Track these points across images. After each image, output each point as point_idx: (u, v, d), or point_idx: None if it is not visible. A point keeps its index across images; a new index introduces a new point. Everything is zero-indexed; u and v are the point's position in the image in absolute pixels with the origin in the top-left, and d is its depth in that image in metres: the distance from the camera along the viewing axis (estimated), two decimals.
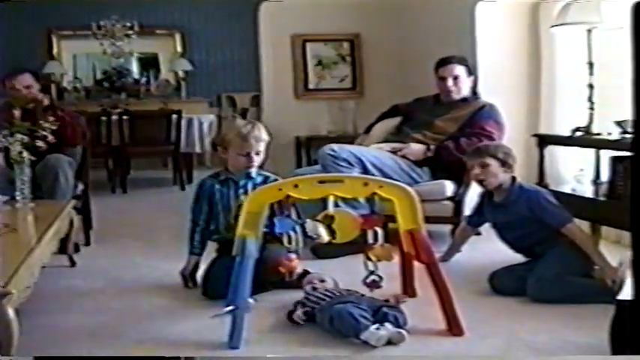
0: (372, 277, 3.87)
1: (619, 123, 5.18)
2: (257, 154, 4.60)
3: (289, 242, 3.80)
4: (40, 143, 5.15)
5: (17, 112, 5.72)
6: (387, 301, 3.89)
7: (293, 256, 3.83)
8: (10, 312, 2.98)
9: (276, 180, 4.47)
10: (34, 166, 5.23)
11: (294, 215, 3.85)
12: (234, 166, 4.66)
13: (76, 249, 5.56)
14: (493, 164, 4.60)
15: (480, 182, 4.71)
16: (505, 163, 4.62)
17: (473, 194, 5.46)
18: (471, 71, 6.13)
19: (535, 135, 6.08)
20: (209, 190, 4.70)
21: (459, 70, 6.03)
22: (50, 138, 5.20)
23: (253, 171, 4.65)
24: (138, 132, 9.43)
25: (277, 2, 8.97)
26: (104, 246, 6.05)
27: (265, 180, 4.62)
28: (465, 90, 6.06)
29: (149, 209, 8.23)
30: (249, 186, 4.61)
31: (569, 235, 4.43)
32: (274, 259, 3.93)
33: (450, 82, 6.01)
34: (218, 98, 13.24)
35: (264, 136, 4.62)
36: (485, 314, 4.05)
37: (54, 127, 5.26)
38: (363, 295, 3.92)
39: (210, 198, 4.70)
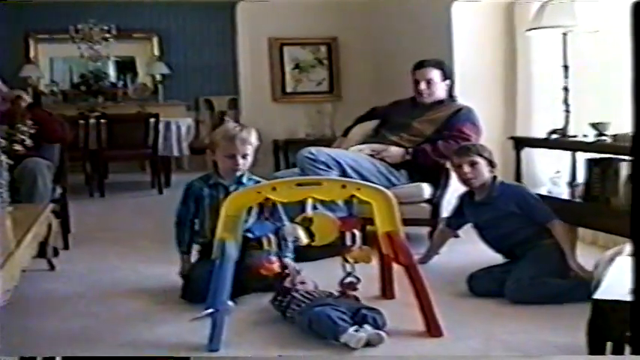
0: (349, 278, 3.90)
1: (594, 125, 5.22)
2: (244, 156, 4.57)
3: (269, 245, 3.82)
4: (17, 147, 5.13)
5: None
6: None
7: (274, 258, 3.85)
8: None
9: (258, 181, 4.48)
10: (12, 170, 5.21)
11: (284, 218, 3.88)
12: (222, 169, 4.64)
13: (55, 253, 5.53)
14: (481, 162, 4.67)
15: (465, 181, 4.75)
16: (491, 162, 4.69)
17: (450, 196, 5.51)
18: (447, 75, 6.13)
19: (511, 137, 6.11)
20: (197, 192, 4.66)
21: (433, 73, 6.05)
22: (28, 142, 5.18)
23: (244, 176, 4.63)
24: (115, 136, 9.40)
25: (255, 6, 8.98)
26: (83, 250, 6.02)
27: (248, 179, 4.62)
28: (439, 93, 6.07)
29: (127, 213, 8.22)
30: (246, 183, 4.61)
31: (553, 232, 4.49)
32: (256, 263, 3.94)
33: (422, 85, 6.03)
34: (196, 101, 13.24)
35: (252, 139, 4.61)
36: (464, 315, 4.08)
37: (32, 131, 5.25)
38: (341, 297, 3.94)
39: (198, 201, 4.67)
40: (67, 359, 3.57)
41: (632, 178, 1.76)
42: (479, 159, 4.68)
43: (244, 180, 4.61)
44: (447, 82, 6.12)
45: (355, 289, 3.92)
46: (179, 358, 3.58)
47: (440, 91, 6.07)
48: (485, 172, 4.69)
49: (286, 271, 4.06)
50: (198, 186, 4.69)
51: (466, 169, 4.69)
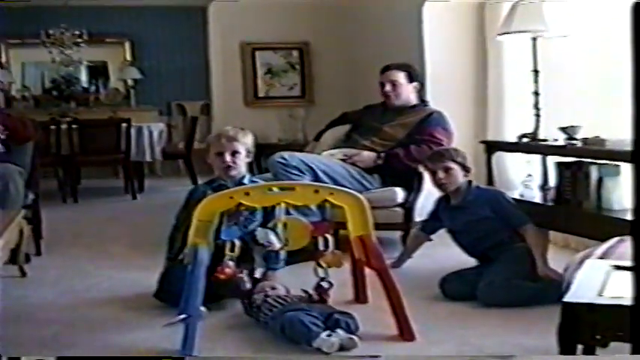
0: (322, 283, 3.91)
1: (564, 129, 5.27)
2: (233, 154, 4.57)
3: (231, 250, 3.82)
4: None
5: None
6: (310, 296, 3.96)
7: (230, 263, 3.83)
8: None
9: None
10: None
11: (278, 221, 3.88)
12: (215, 169, 4.66)
13: (27, 259, 5.51)
14: (456, 168, 4.70)
15: (440, 186, 4.77)
16: (464, 167, 4.71)
17: (423, 201, 5.53)
18: (413, 77, 6.13)
19: (483, 141, 6.15)
20: (200, 196, 4.56)
21: (398, 75, 6.06)
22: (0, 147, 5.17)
23: (246, 177, 4.63)
24: (88, 141, 9.35)
25: (227, 10, 8.99)
26: (55, 256, 5.99)
27: (251, 182, 4.58)
28: (406, 96, 6.08)
29: (101, 218, 8.17)
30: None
31: (525, 236, 4.52)
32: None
33: (387, 87, 6.05)
34: (168, 106, 13.20)
35: (241, 137, 4.62)
36: (437, 319, 4.10)
37: (2, 137, 5.23)
38: (314, 302, 3.95)
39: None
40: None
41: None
42: (453, 164, 4.70)
43: (245, 181, 4.59)
44: (415, 84, 6.11)
45: (327, 294, 3.93)
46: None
47: (406, 93, 6.08)
48: (459, 176, 4.71)
49: (239, 275, 4.01)
50: (202, 190, 4.65)
51: (440, 174, 4.71)
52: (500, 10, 6.31)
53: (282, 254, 4.31)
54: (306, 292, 4.03)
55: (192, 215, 4.14)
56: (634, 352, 2.00)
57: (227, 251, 3.81)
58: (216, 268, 3.80)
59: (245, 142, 4.64)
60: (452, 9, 6.97)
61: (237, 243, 3.81)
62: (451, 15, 7.01)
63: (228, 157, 4.57)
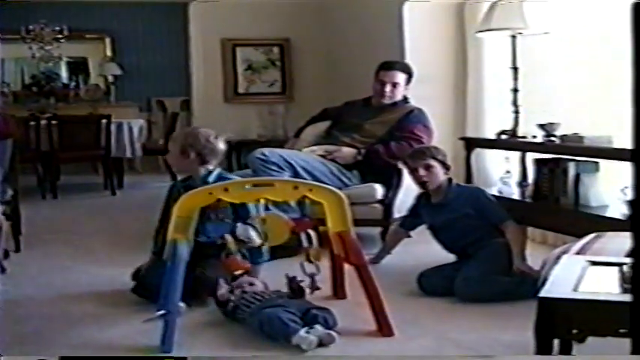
0: (304, 278, 3.94)
1: (542, 126, 5.30)
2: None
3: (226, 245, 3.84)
4: None
5: None
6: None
7: (239, 257, 3.88)
8: None
9: (229, 179, 4.46)
10: None
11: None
12: None
13: (6, 255, 5.50)
14: (436, 166, 4.72)
15: (421, 184, 4.79)
16: (445, 165, 4.74)
17: (402, 197, 5.55)
18: (411, 79, 6.14)
19: (462, 138, 6.17)
20: (175, 194, 4.60)
21: (400, 77, 6.05)
22: None
23: (213, 174, 4.55)
24: (67, 137, 9.30)
25: (207, 6, 8.98)
26: (34, 252, 5.98)
27: (220, 176, 4.56)
28: (399, 97, 6.11)
29: (80, 214, 8.15)
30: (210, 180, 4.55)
31: (506, 232, 4.55)
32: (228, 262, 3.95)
33: (388, 87, 6.03)
34: (148, 102, 13.16)
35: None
36: (415, 315, 4.12)
37: None
38: (290, 297, 3.96)
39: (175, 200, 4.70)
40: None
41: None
42: (433, 162, 4.72)
43: (210, 179, 4.57)
44: (408, 86, 6.13)
45: (318, 287, 3.97)
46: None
47: (400, 94, 6.10)
48: (440, 174, 4.73)
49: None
50: (177, 187, 4.68)
51: (421, 172, 4.73)
52: (480, 9, 6.33)
53: (265, 249, 4.32)
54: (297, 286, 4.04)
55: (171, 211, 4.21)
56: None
57: (230, 246, 3.82)
58: (197, 264, 3.83)
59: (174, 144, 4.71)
60: (432, 7, 6.98)
61: (229, 238, 3.82)
62: (432, 13, 7.03)
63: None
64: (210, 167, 4.55)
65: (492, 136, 5.95)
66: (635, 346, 1.98)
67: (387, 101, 6.06)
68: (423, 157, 4.77)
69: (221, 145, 4.62)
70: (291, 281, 4.01)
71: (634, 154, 1.77)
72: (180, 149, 4.56)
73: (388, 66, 6.12)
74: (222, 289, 4.05)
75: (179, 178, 4.93)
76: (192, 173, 4.63)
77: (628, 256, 2.02)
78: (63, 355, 3.54)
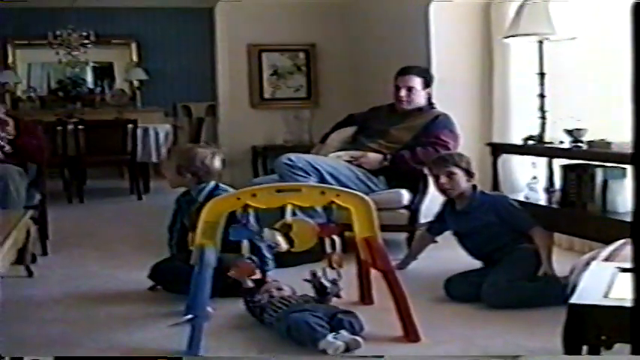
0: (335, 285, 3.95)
1: (569, 132, 5.27)
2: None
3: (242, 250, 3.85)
4: None
5: None
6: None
7: (247, 262, 3.89)
8: None
9: (225, 190, 4.64)
10: None
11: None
12: None
13: (33, 259, 5.53)
14: (459, 173, 4.69)
15: (443, 192, 4.78)
16: (468, 172, 4.71)
17: (428, 203, 5.54)
18: (429, 83, 6.14)
19: (489, 144, 6.15)
20: (182, 205, 4.92)
21: (415, 81, 6.07)
22: (7, 148, 5.19)
23: (207, 187, 4.79)
24: (94, 141, 9.37)
25: (233, 12, 9.00)
26: (61, 256, 6.02)
27: (211, 191, 4.73)
28: (419, 101, 6.09)
29: (106, 219, 8.19)
30: (200, 197, 4.72)
31: (534, 238, 4.53)
32: (226, 264, 3.97)
33: (403, 92, 6.06)
34: (174, 108, 13.20)
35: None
36: (441, 320, 4.11)
37: (10, 137, 5.25)
38: (317, 301, 3.97)
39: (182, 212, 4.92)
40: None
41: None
42: (456, 169, 4.70)
43: (202, 195, 4.74)
44: (428, 90, 6.14)
45: (339, 295, 3.98)
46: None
47: (419, 99, 6.09)
48: (462, 182, 4.71)
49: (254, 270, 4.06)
50: (181, 200, 4.96)
51: (443, 179, 4.72)
52: (506, 10, 6.34)
53: (271, 258, 4.41)
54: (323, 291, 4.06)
55: (177, 220, 4.70)
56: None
57: (243, 251, 3.83)
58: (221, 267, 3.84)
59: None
60: (458, 10, 6.97)
61: (246, 243, 3.83)
62: (457, 16, 7.01)
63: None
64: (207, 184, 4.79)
65: (519, 142, 5.93)
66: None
67: (405, 106, 6.07)
68: (445, 164, 4.75)
69: (217, 165, 4.85)
70: (314, 277, 4.02)
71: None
72: (176, 169, 4.74)
73: (404, 71, 6.15)
74: (249, 282, 4.06)
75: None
76: (189, 188, 4.86)
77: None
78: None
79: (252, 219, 3.79)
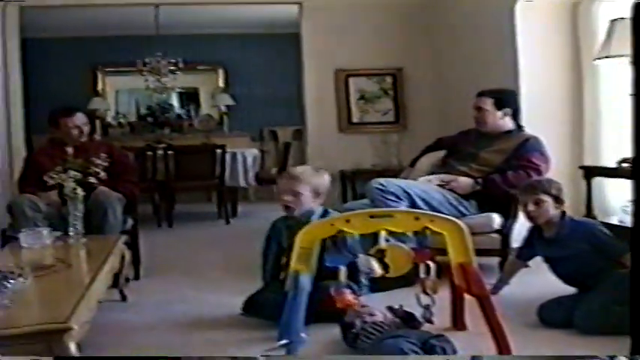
0: (428, 311, 3.93)
1: None
2: (294, 194, 4.76)
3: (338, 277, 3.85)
4: (92, 179, 5.25)
5: (70, 150, 5.86)
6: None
7: (348, 291, 3.89)
8: (72, 347, 3.01)
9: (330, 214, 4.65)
10: (85, 202, 5.29)
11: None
12: None
13: (126, 282, 5.61)
14: (547, 201, 4.62)
15: (530, 218, 4.73)
16: (557, 199, 4.64)
17: (520, 227, 5.48)
18: (504, 104, 6.10)
19: (582, 167, 6.08)
20: (280, 229, 4.95)
21: (484, 102, 6.08)
22: (102, 175, 5.29)
23: (315, 214, 4.76)
24: (183, 166, 9.51)
25: (320, 37, 9.07)
26: (153, 280, 6.10)
27: (322, 215, 4.74)
28: (492, 122, 6.09)
29: (195, 243, 8.28)
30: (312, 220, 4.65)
31: (627, 264, 4.45)
32: (323, 291, 3.98)
33: (475, 112, 6.13)
34: (260, 132, 13.31)
35: (306, 177, 4.79)
36: (535, 346, 4.06)
37: (105, 164, 5.35)
38: (410, 326, 3.96)
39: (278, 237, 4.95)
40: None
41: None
42: (545, 197, 4.63)
43: (314, 217, 4.70)
44: (505, 110, 6.09)
45: (432, 321, 3.95)
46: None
47: (493, 119, 6.08)
48: (550, 209, 4.64)
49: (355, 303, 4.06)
50: (278, 225, 4.99)
51: (530, 207, 4.66)
52: (595, 28, 6.27)
53: (366, 282, 4.41)
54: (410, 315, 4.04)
55: (271, 245, 4.77)
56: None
57: (341, 278, 3.84)
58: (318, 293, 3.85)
59: (310, 182, 4.76)
60: (546, 30, 6.92)
61: (344, 269, 3.83)
62: (545, 37, 6.96)
63: (285, 197, 4.79)
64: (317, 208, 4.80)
65: (611, 164, 5.85)
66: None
67: (481, 128, 6.07)
68: (534, 191, 4.69)
69: None
70: (395, 312, 4.02)
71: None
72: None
73: (478, 93, 6.17)
74: (351, 316, 4.06)
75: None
76: (302, 211, 4.78)
77: None
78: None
79: (349, 245, 3.80)
